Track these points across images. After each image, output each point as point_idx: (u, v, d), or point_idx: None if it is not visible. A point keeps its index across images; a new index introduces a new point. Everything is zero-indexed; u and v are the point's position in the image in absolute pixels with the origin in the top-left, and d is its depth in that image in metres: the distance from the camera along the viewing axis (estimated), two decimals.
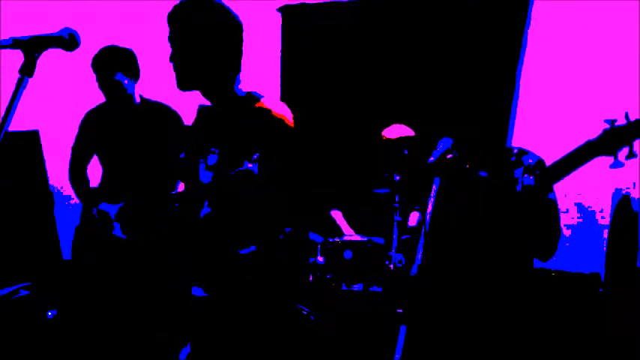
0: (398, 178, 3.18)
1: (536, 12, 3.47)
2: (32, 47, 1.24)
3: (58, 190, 4.03)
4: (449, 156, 1.88)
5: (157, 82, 3.16)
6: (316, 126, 3.81)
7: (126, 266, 2.93)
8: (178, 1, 1.82)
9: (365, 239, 3.17)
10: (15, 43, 1.23)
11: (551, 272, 2.92)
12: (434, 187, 1.73)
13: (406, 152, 3.20)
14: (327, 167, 3.86)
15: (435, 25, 3.69)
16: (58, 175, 3.86)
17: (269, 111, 1.84)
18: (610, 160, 1.50)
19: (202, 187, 1.92)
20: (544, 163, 1.89)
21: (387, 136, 3.24)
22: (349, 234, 3.34)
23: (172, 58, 1.83)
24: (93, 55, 2.99)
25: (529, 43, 3.50)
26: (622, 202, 2.97)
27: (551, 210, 1.88)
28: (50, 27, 1.34)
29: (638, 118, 1.48)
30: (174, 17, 1.81)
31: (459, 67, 3.59)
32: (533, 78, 3.50)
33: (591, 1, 3.34)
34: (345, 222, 3.47)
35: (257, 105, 1.85)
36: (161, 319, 2.72)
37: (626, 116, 1.50)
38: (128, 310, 2.93)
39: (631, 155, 1.49)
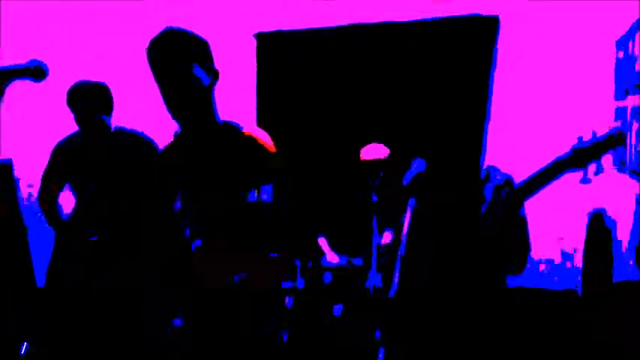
0: (376, 199, 3.19)
1: (505, 32, 3.55)
2: None
3: (31, 217, 3.96)
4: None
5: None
6: (294, 151, 3.82)
7: (103, 295, 2.88)
8: (151, 41, 1.78)
9: (344, 261, 3.16)
10: None
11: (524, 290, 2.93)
12: (409, 208, 1.74)
13: (382, 174, 3.20)
14: (306, 192, 3.86)
15: (408, 50, 3.76)
16: (33, 205, 3.80)
17: (255, 139, 1.84)
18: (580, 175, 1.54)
19: (178, 216, 1.90)
20: (512, 181, 1.92)
21: (364, 158, 3.25)
22: (332, 260, 3.32)
23: (165, 92, 1.76)
24: (67, 91, 2.95)
25: (499, 62, 3.58)
26: (595, 218, 3.01)
27: (521, 226, 1.90)
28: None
29: (604, 133, 1.52)
30: (157, 49, 1.74)
31: (435, 90, 3.65)
32: (504, 95, 3.56)
33: (560, 12, 3.43)
34: (329, 249, 3.46)
35: (243, 133, 1.85)
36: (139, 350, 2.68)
37: (593, 134, 1.54)
38: (105, 340, 2.88)
39: (599, 171, 1.53)
